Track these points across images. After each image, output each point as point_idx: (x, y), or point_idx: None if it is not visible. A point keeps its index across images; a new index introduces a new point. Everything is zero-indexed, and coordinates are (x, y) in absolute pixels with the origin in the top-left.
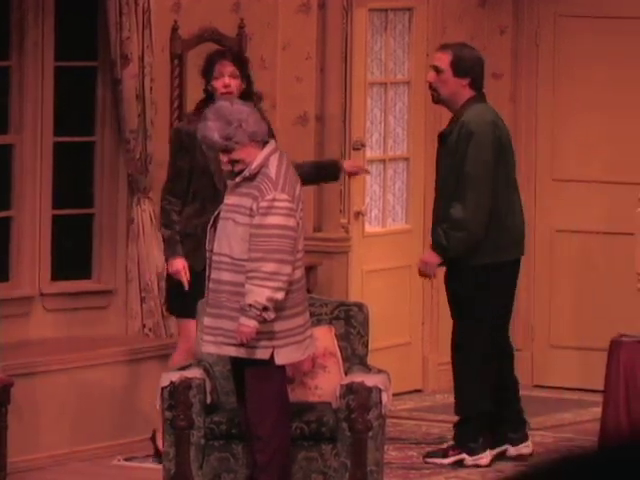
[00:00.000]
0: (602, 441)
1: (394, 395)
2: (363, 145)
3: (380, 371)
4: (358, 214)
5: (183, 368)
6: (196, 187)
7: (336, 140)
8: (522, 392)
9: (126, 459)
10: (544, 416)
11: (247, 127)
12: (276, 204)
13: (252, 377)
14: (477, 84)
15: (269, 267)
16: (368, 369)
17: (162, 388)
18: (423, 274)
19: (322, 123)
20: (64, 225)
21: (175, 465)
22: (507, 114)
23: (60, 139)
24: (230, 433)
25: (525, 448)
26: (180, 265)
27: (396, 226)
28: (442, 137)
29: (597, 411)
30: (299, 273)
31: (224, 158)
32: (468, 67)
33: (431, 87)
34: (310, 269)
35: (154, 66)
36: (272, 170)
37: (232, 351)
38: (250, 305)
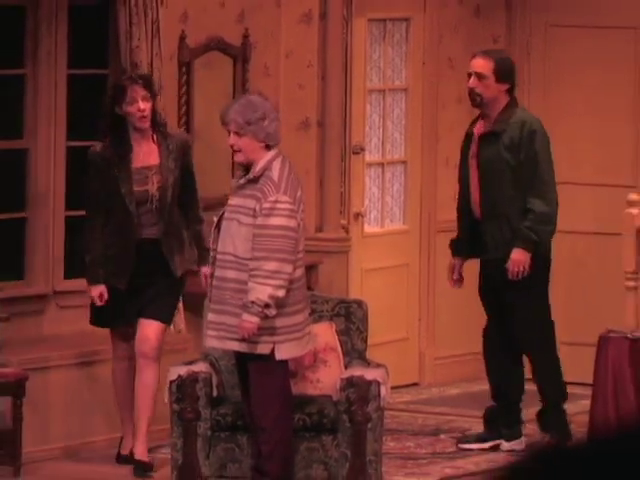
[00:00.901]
0: (591, 433)
1: (392, 388)
2: (362, 149)
3: (379, 365)
4: (358, 215)
5: (190, 362)
6: (110, 209)
7: (337, 144)
8: None
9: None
10: (535, 408)
11: (267, 125)
12: (278, 206)
13: (255, 372)
14: (513, 89)
15: (271, 266)
16: (367, 363)
17: (170, 382)
18: (516, 273)
19: (323, 128)
20: (77, 226)
21: (182, 455)
22: None
23: (72, 143)
24: (235, 425)
25: (518, 445)
26: (98, 292)
27: (394, 227)
28: (485, 136)
29: (586, 404)
30: (299, 272)
31: (231, 140)
32: (508, 73)
33: (473, 92)
34: (312, 268)
35: (163, 74)
36: (275, 173)
37: (234, 345)
38: (252, 302)
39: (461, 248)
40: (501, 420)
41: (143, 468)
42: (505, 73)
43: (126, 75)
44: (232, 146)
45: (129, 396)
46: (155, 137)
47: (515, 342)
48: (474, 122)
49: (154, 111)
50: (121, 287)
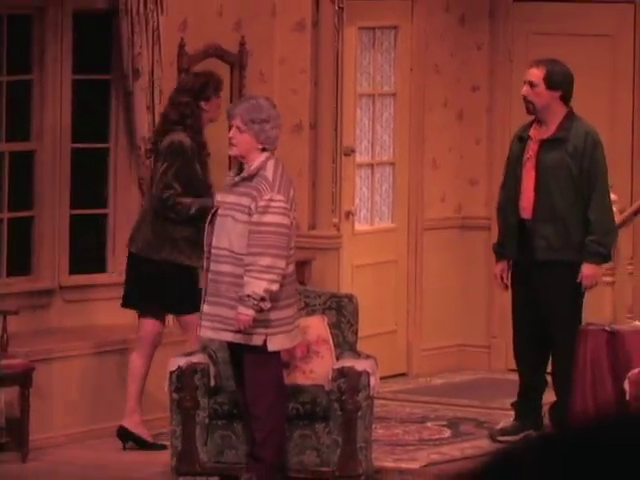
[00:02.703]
0: (571, 422)
1: (381, 378)
2: (353, 151)
3: (368, 356)
4: (348, 214)
5: (189, 354)
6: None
7: (328, 146)
8: (496, 376)
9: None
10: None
11: (269, 129)
12: (273, 204)
13: (250, 362)
14: (567, 97)
15: (266, 261)
16: (357, 355)
17: (170, 372)
18: (590, 287)
19: (315, 131)
20: (81, 224)
21: (182, 442)
22: (484, 122)
23: (77, 145)
24: (232, 413)
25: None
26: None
27: (383, 225)
28: (548, 141)
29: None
30: (291, 268)
31: (231, 133)
32: (560, 81)
33: (525, 99)
34: (305, 264)
35: (163, 79)
36: (269, 173)
37: (229, 337)
38: (249, 295)
39: (506, 251)
40: (530, 412)
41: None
42: (556, 81)
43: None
44: (230, 139)
45: None
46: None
47: (544, 342)
48: (527, 127)
49: None
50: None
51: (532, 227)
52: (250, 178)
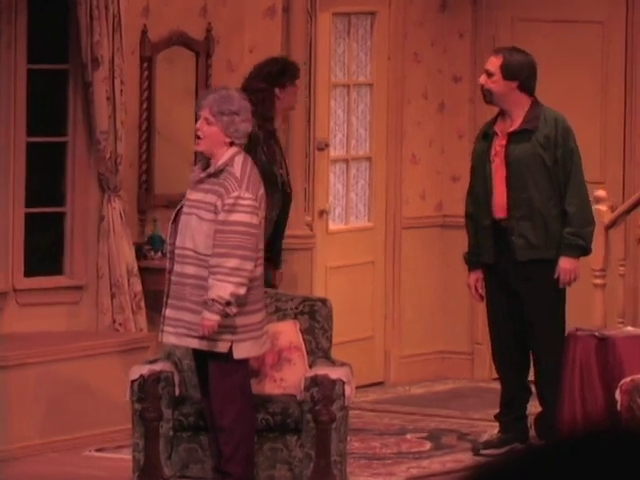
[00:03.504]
0: (559, 430)
1: (357, 387)
2: (327, 145)
3: (343, 364)
4: (322, 212)
5: (152, 362)
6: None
7: (301, 141)
8: (480, 385)
9: (97, 450)
10: None
11: (239, 122)
12: (240, 202)
13: (215, 371)
14: (527, 86)
15: (232, 263)
16: (332, 362)
17: (132, 381)
18: (568, 283)
19: (287, 124)
20: (37, 223)
21: (144, 456)
22: (467, 115)
23: (33, 139)
24: (198, 425)
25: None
26: None
27: (359, 224)
28: (516, 134)
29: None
30: (259, 270)
31: (199, 125)
32: (517, 71)
33: (482, 88)
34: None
35: (124, 69)
36: (237, 169)
37: (193, 343)
38: (213, 300)
39: (482, 257)
40: (515, 424)
41: None
42: (512, 71)
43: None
44: (197, 131)
45: None
46: None
47: (525, 348)
48: (491, 123)
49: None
50: None
51: (508, 226)
52: (216, 174)
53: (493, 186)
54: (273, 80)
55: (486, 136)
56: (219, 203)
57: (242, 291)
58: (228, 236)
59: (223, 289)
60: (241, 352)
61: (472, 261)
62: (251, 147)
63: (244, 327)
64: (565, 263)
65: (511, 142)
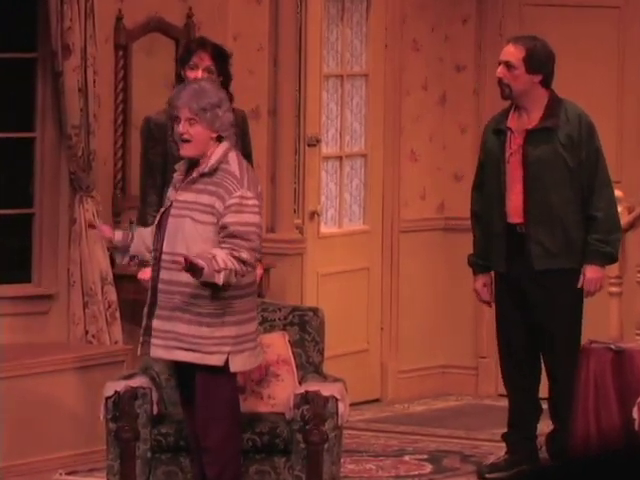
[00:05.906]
0: (571, 450)
1: (351, 405)
2: (318, 141)
3: (336, 380)
4: (313, 214)
5: (128, 377)
6: (170, 180)
7: (290, 136)
8: (485, 402)
9: (68, 473)
10: None
11: (222, 114)
12: (246, 202)
13: (204, 385)
14: (548, 80)
15: (245, 255)
16: (324, 378)
17: (106, 398)
18: (593, 293)
19: (275, 118)
20: (2, 226)
21: (120, 479)
22: (471, 107)
23: None
24: (178, 445)
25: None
26: (148, 275)
27: (353, 227)
28: (535, 132)
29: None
30: (252, 277)
31: (182, 129)
32: (542, 63)
33: (501, 82)
34: (263, 272)
35: (97, 58)
36: (234, 167)
37: (185, 356)
38: (215, 258)
39: (493, 264)
40: (523, 444)
41: None
42: (538, 63)
43: (198, 38)
44: (182, 135)
45: None
46: None
47: (537, 361)
48: (502, 117)
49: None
50: None
51: (524, 232)
52: (210, 173)
53: (508, 188)
54: (181, 63)
55: (497, 132)
56: (218, 204)
57: (234, 281)
58: (245, 236)
59: (228, 261)
60: (238, 365)
61: (479, 264)
62: (160, 137)
63: (240, 338)
64: (591, 272)
65: (529, 141)
